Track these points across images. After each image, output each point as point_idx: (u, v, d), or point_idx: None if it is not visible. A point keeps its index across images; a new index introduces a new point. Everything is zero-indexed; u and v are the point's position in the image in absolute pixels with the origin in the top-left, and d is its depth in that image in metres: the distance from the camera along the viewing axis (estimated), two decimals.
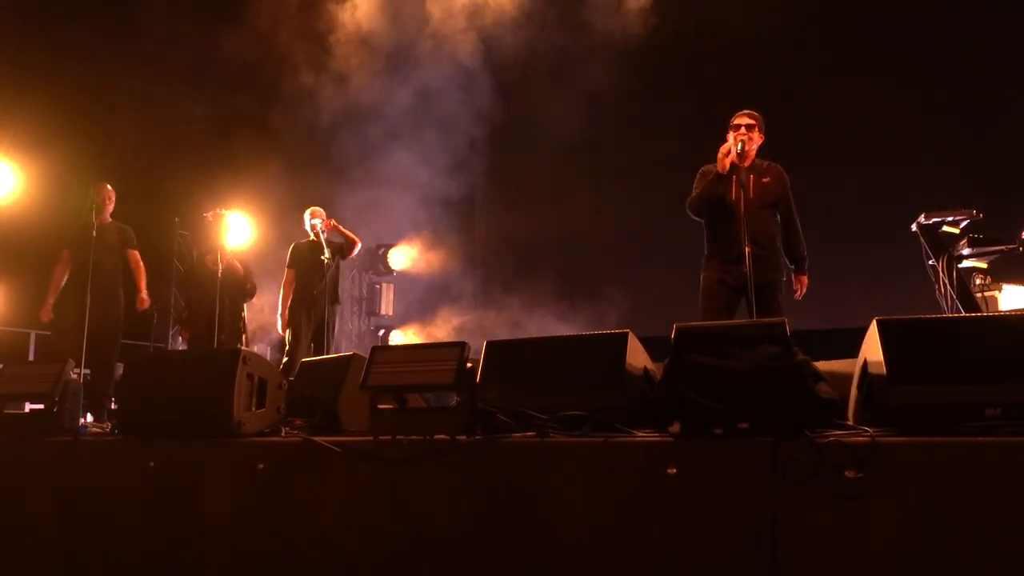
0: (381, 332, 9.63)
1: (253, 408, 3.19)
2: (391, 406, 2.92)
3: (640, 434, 2.48)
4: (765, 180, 4.87)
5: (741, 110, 4.97)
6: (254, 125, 8.80)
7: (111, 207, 6.39)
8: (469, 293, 10.08)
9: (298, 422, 3.32)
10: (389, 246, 9.61)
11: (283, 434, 3.18)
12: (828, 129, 8.29)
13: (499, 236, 9.72)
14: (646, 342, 2.91)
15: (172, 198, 8.87)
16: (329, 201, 8.06)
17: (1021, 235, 5.45)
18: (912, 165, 8.00)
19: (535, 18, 9.00)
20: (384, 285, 9.72)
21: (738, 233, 4.58)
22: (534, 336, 3.10)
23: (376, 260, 9.68)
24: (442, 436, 2.68)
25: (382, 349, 3.02)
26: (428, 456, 2.63)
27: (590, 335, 2.89)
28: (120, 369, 6.59)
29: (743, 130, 4.86)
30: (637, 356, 2.81)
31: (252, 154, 8.39)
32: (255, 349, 8.16)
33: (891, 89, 8.27)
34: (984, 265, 5.67)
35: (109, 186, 6.41)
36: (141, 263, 6.55)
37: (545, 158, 9.61)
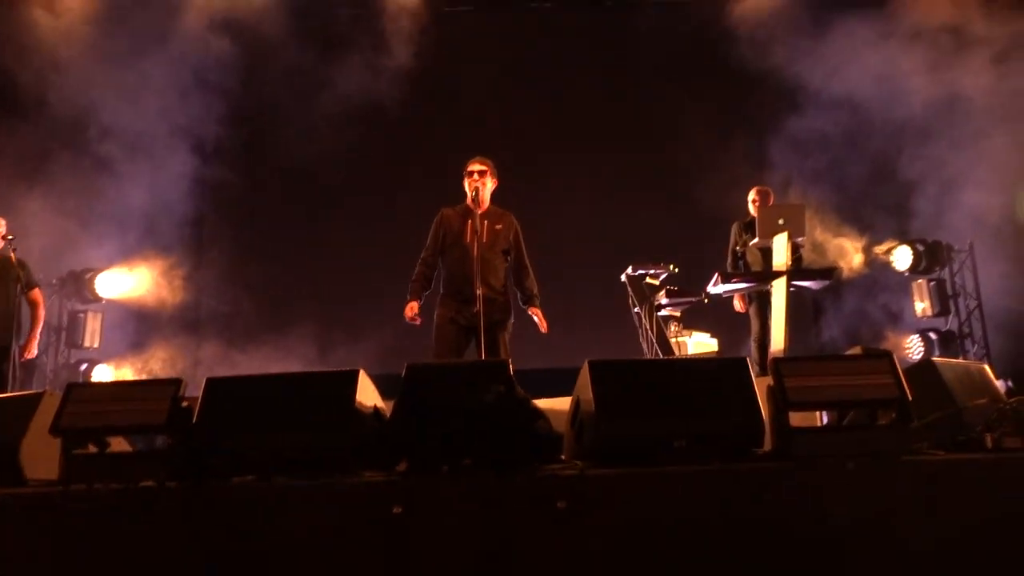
0: (84, 367, 8.56)
1: None
2: (90, 450, 2.61)
3: (368, 474, 2.46)
4: (498, 226, 5.12)
5: (474, 157, 5.21)
6: None
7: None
8: (197, 325, 9.36)
9: None
10: (97, 270, 8.60)
11: None
12: (555, 182, 8.99)
13: (236, 262, 9.12)
14: (390, 380, 2.90)
15: None
16: (16, 211, 7.09)
17: (706, 289, 6.30)
18: (625, 220, 8.94)
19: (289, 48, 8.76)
20: (90, 314, 8.66)
21: (471, 275, 4.77)
22: (261, 373, 2.95)
23: (81, 286, 8.59)
24: (150, 483, 2.45)
25: (80, 386, 2.71)
26: (130, 506, 2.38)
27: (319, 373, 2.82)
28: None
29: (475, 176, 5.10)
30: (367, 394, 2.80)
31: None
32: None
33: (608, 150, 9.24)
34: (678, 314, 6.49)
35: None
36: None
37: (285, 181, 9.32)
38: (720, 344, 6.67)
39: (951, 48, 7.35)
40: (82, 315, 8.58)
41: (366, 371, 2.86)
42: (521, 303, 5.20)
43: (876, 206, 8.43)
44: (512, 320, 5.11)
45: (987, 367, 3.74)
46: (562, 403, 3.16)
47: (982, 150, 7.38)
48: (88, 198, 8.11)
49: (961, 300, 8.53)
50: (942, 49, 7.37)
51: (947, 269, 8.57)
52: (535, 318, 5.14)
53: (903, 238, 8.49)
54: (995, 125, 7.21)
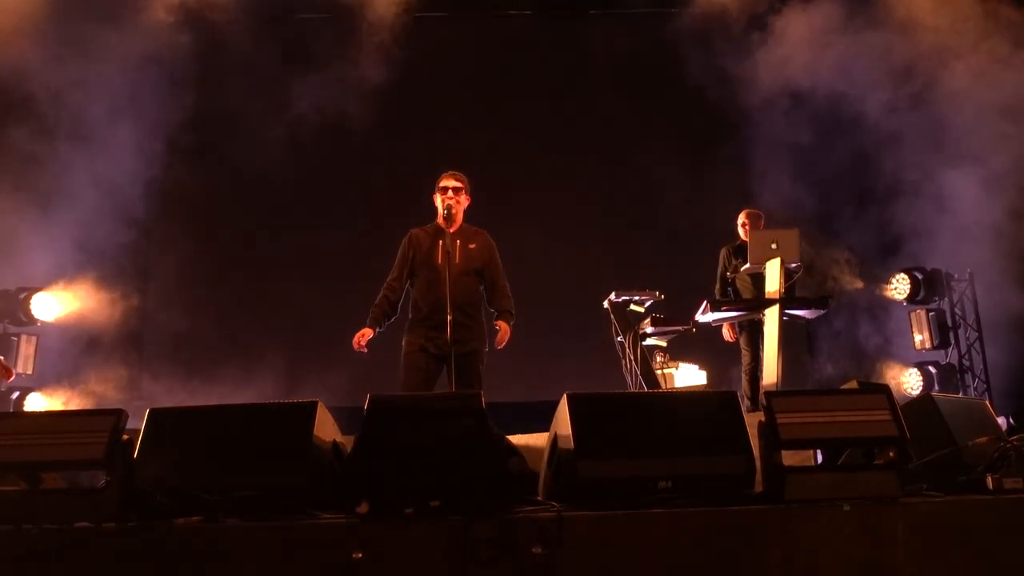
0: (15, 395, 8.37)
1: None
2: (19, 488, 2.56)
3: (325, 516, 2.43)
4: (471, 246, 5.08)
5: (447, 171, 5.18)
6: None
7: None
8: (141, 351, 9.22)
9: None
10: (35, 289, 8.45)
11: None
12: (531, 201, 9.02)
13: (188, 282, 9.02)
14: (356, 413, 2.87)
15: None
16: None
17: (694, 317, 6.34)
18: (608, 242, 8.99)
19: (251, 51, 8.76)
20: (24, 337, 8.49)
21: (443, 299, 4.70)
22: (212, 404, 2.91)
23: (15, 306, 8.43)
24: (85, 524, 2.40)
25: (10, 417, 2.66)
26: (64, 550, 2.33)
27: (273, 405, 2.78)
28: None
29: (450, 192, 5.04)
30: (326, 429, 2.76)
31: None
32: None
33: (590, 167, 9.31)
34: (664, 344, 6.52)
35: None
36: None
37: (243, 193, 9.27)
38: (709, 376, 6.70)
39: (949, 57, 7.44)
40: (15, 339, 8.42)
41: (331, 403, 2.83)
42: (493, 318, 5.15)
43: (869, 232, 8.56)
44: (487, 349, 5.07)
45: (988, 403, 3.80)
46: (538, 439, 3.15)
47: (981, 173, 7.50)
48: (23, 208, 7.97)
49: (961, 332, 8.65)
50: (937, 57, 7.45)
51: (946, 299, 8.70)
52: (498, 329, 5.03)
53: (900, 266, 8.61)
54: (994, 143, 7.31)
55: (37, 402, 8.38)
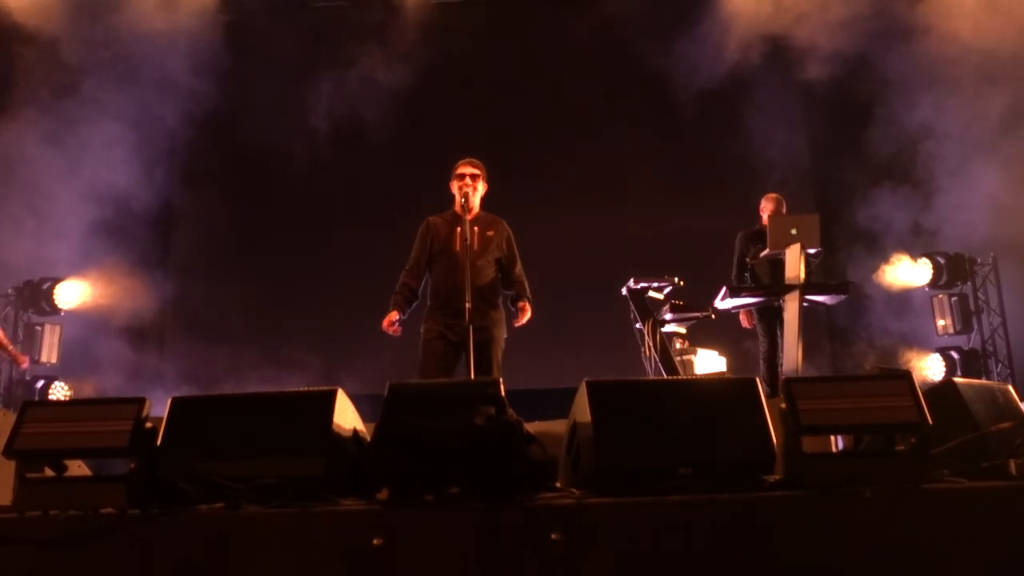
0: (40, 384, 8.50)
1: None
2: (45, 475, 2.59)
3: (346, 503, 2.44)
4: (489, 233, 5.10)
5: (464, 158, 5.18)
6: None
7: None
8: (162, 338, 9.31)
9: None
10: (58, 279, 8.56)
11: None
12: (548, 188, 9.00)
13: (210, 271, 9.08)
14: (378, 401, 2.89)
15: None
16: None
17: (713, 303, 6.31)
18: (626, 228, 8.95)
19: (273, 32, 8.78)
20: (48, 326, 8.60)
21: (461, 286, 4.71)
22: (232, 392, 2.93)
23: (39, 296, 8.53)
24: (109, 510, 2.43)
25: (37, 405, 2.68)
26: (90, 536, 2.36)
27: (294, 392, 2.80)
28: None
29: (467, 179, 5.07)
30: (346, 416, 2.78)
31: None
32: None
33: (607, 153, 9.25)
34: (683, 330, 6.50)
35: None
36: None
37: (266, 185, 9.31)
38: (729, 362, 6.67)
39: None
40: (39, 328, 8.52)
41: (359, 391, 2.85)
42: (511, 301, 5.16)
43: (892, 215, 8.45)
44: (505, 335, 5.09)
45: (1011, 388, 3.75)
46: (558, 426, 3.14)
47: (1006, 153, 7.38)
48: (47, 199, 8.04)
49: (984, 316, 8.55)
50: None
51: (969, 284, 8.60)
52: (515, 311, 5.06)
53: (922, 251, 8.51)
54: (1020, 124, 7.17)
55: (61, 390, 8.49)
